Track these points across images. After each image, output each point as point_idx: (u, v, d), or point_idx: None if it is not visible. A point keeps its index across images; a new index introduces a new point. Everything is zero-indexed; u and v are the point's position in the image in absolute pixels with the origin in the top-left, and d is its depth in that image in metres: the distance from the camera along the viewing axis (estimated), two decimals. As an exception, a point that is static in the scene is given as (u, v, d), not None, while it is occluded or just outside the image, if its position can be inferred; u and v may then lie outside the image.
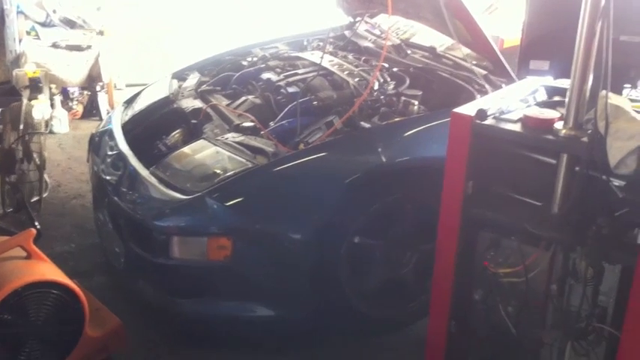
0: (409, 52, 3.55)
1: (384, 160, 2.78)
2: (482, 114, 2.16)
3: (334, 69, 3.35)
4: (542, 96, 2.37)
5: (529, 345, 2.33)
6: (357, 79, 3.21)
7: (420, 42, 3.77)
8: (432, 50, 3.52)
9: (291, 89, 3.19)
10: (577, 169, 2.09)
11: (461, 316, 2.43)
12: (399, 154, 2.83)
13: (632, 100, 2.21)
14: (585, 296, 2.17)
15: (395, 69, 3.35)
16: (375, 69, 3.19)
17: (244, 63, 3.75)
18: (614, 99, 2.01)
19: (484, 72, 3.14)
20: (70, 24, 5.80)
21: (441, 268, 2.40)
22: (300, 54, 3.72)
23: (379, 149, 2.79)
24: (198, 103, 3.35)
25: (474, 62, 3.26)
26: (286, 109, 3.03)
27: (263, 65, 3.62)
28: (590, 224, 2.09)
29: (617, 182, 2.02)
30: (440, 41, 3.68)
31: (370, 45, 3.73)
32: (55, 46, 5.55)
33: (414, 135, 2.87)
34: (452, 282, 2.37)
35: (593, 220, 2.08)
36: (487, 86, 3.05)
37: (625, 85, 2.22)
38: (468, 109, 2.23)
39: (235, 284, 2.64)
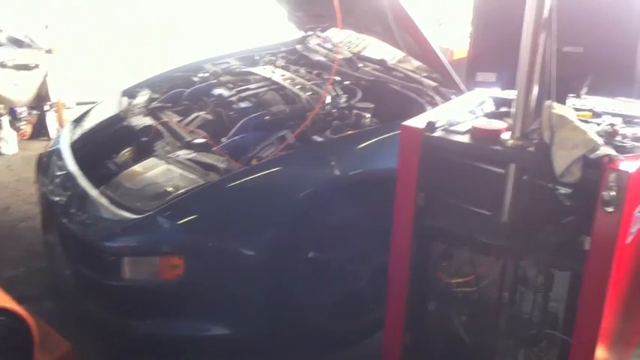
0: (360, 65, 3.58)
1: (337, 173, 2.78)
2: (431, 126, 2.18)
3: (286, 83, 3.35)
4: (490, 107, 2.41)
5: (483, 353, 2.35)
6: (309, 93, 3.22)
7: (371, 55, 3.79)
8: (382, 63, 3.55)
9: (242, 104, 3.17)
10: (525, 178, 2.12)
11: (415, 328, 2.44)
12: (352, 167, 2.83)
13: (576, 110, 2.27)
14: (536, 303, 2.21)
15: (347, 82, 3.36)
16: (326, 83, 3.20)
17: (195, 79, 3.72)
18: (558, 109, 2.05)
19: (434, 84, 3.18)
20: (18, 43, 5.69)
21: (395, 280, 2.41)
22: (251, 69, 3.71)
23: (332, 163, 2.79)
24: (148, 121, 3.30)
25: (424, 74, 3.30)
26: (238, 125, 3.01)
27: (215, 81, 3.59)
28: (538, 232, 2.13)
29: (563, 190, 2.06)
30: (392, 54, 3.72)
31: (322, 59, 3.74)
32: (1, 65, 5.43)
33: (366, 147, 2.88)
34: (406, 294, 2.38)
35: (542, 228, 2.12)
36: (437, 98, 3.08)
37: (570, 95, 2.27)
38: (417, 122, 2.26)
39: (189, 304, 2.60)
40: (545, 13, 1.98)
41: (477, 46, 2.27)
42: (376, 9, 3.01)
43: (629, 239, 2.08)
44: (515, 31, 2.05)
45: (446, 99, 3.01)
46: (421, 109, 2.92)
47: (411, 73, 3.36)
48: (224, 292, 2.60)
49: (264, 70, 3.61)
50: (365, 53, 3.95)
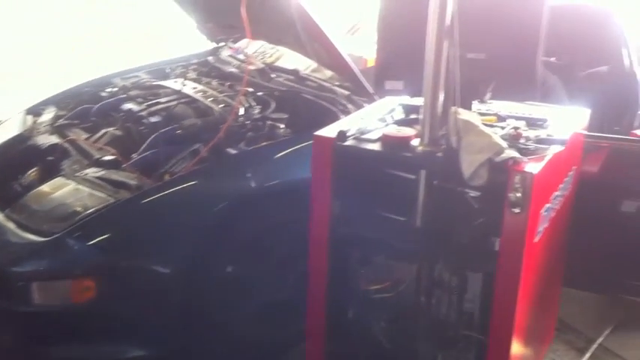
0: (273, 75, 3.57)
1: (253, 185, 2.76)
2: (342, 135, 2.20)
3: (198, 96, 3.30)
4: (400, 114, 2.45)
5: (404, 358, 2.37)
6: (221, 105, 3.18)
7: (287, 65, 3.79)
8: (295, 73, 3.56)
9: (153, 119, 3.10)
10: (435, 183, 2.16)
11: (337, 336, 2.44)
12: (268, 178, 2.82)
13: (482, 114, 2.33)
14: (452, 305, 2.25)
15: (260, 93, 3.35)
16: (239, 94, 3.17)
17: (104, 94, 3.61)
18: (464, 114, 2.10)
19: (347, 92, 3.20)
20: None
21: (314, 289, 2.41)
22: (162, 82, 3.64)
23: (248, 175, 2.78)
24: (55, 139, 3.18)
25: (337, 83, 3.32)
26: (149, 140, 2.94)
27: (124, 95, 3.50)
28: (450, 235, 2.17)
29: (472, 193, 2.11)
30: (306, 64, 3.73)
31: (234, 70, 3.71)
32: None
33: (282, 158, 2.88)
34: (325, 302, 2.38)
35: (454, 231, 2.17)
36: (350, 106, 3.11)
37: (475, 100, 2.33)
38: (328, 131, 2.27)
39: (104, 326, 2.52)
40: (448, 20, 2.02)
41: (383, 55, 2.30)
42: (285, 19, 3.01)
43: (537, 238, 2.15)
44: (420, 39, 2.09)
45: (359, 107, 3.04)
46: (335, 118, 2.93)
47: (324, 83, 3.37)
48: (140, 312, 2.53)
49: (175, 83, 3.55)
50: (279, 63, 3.95)
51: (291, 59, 3.83)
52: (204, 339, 2.67)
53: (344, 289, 2.41)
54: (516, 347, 2.20)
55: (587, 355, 3.10)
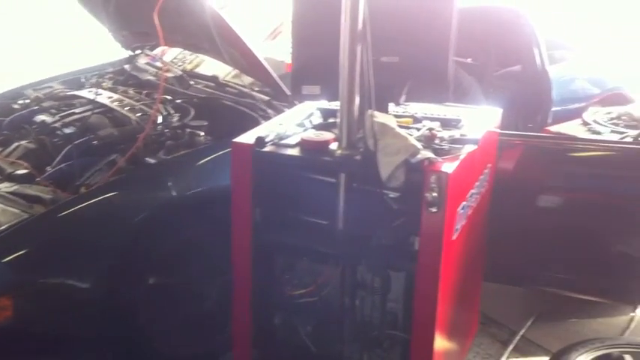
0: (192, 82, 3.52)
1: (174, 194, 2.72)
2: (260, 141, 2.19)
3: (114, 105, 3.22)
4: (318, 119, 2.46)
5: (331, 361, 2.39)
6: (139, 114, 3.12)
7: (207, 72, 3.76)
8: (214, 79, 3.53)
9: (67, 130, 3.01)
10: (355, 185, 2.18)
11: (264, 343, 2.43)
12: (189, 186, 2.78)
13: (397, 116, 2.37)
14: (376, 306, 2.28)
15: (179, 101, 3.30)
16: (155, 101, 3.12)
17: (15, 106, 3.48)
18: (380, 117, 2.13)
19: (266, 98, 3.19)
20: None
21: (239, 297, 2.39)
22: (77, 92, 3.53)
23: (169, 184, 2.73)
24: (-36, 155, 3.05)
25: (257, 89, 3.31)
26: (63, 152, 2.85)
27: (37, 107, 3.38)
28: (371, 236, 2.20)
29: (392, 195, 2.14)
30: (227, 70, 3.70)
31: (151, 78, 3.64)
32: None
33: (203, 166, 2.85)
34: (250, 310, 2.37)
35: (374, 232, 2.20)
36: (270, 112, 3.10)
37: (390, 103, 2.37)
38: (247, 138, 2.26)
39: (22, 346, 2.42)
40: (360, 25, 2.05)
41: (299, 60, 2.31)
42: (200, 26, 2.98)
43: (454, 236, 2.20)
44: (335, 44, 2.11)
45: (279, 112, 3.04)
46: (255, 124, 2.91)
47: (243, 89, 3.36)
48: (59, 329, 2.45)
49: (90, 93, 3.46)
50: (200, 70, 3.90)
51: (212, 66, 3.80)
52: (129, 354, 2.61)
53: (269, 295, 2.40)
54: (440, 343, 2.24)
55: (511, 346, 3.19)
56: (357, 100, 2.13)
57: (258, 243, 2.30)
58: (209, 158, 2.86)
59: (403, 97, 2.29)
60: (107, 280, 2.49)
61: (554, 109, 4.23)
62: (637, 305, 3.48)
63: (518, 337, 3.26)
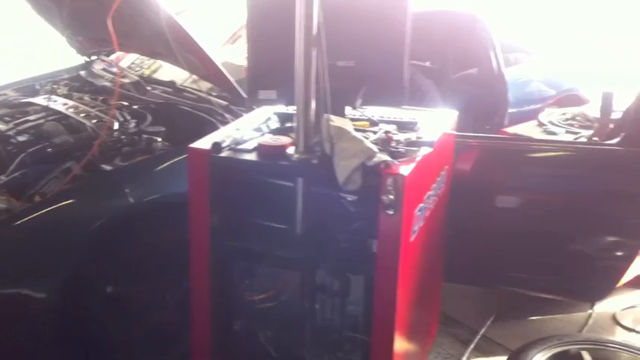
0: (149, 88, 3.49)
1: (132, 201, 2.68)
2: (217, 147, 2.18)
3: (69, 112, 3.17)
4: (275, 123, 2.46)
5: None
6: (94, 121, 3.07)
7: (166, 77, 3.72)
8: (172, 85, 3.50)
9: (21, 138, 2.94)
10: (313, 189, 2.19)
11: (224, 350, 2.41)
12: (147, 193, 2.74)
13: (354, 120, 2.38)
14: (336, 309, 2.28)
15: (135, 106, 3.26)
16: (111, 108, 3.08)
17: (-33, 114, 3.40)
18: (336, 121, 2.13)
19: (224, 103, 3.18)
20: None
21: (198, 304, 2.37)
22: (31, 99, 3.47)
23: (126, 190, 2.69)
24: None
25: (215, 94, 3.29)
26: (17, 160, 2.79)
27: (-11, 115, 3.31)
28: (330, 240, 2.20)
29: (350, 198, 2.15)
30: (185, 75, 3.66)
31: (107, 84, 3.60)
32: None
33: (161, 172, 2.81)
34: (210, 316, 2.35)
35: (333, 235, 2.20)
36: (228, 117, 3.09)
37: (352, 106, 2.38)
38: (204, 143, 2.24)
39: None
40: (314, 30, 2.05)
41: (255, 64, 2.30)
42: (156, 31, 2.95)
43: (412, 237, 2.22)
44: (290, 48, 2.11)
45: (237, 117, 3.02)
46: (213, 129, 2.89)
47: (201, 94, 3.34)
48: (14, 341, 2.40)
49: (44, 100, 3.39)
50: (158, 75, 3.86)
51: (170, 71, 3.76)
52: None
53: (228, 301, 2.39)
54: (400, 344, 2.25)
55: (471, 346, 3.23)
56: (314, 104, 2.13)
57: (217, 249, 2.28)
58: (167, 164, 2.83)
59: (359, 101, 2.30)
60: (63, 290, 2.44)
61: (511, 110, 4.29)
62: (594, 302, 3.56)
63: (478, 337, 3.30)
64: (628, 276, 3.48)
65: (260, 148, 2.21)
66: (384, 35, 2.28)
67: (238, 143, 2.24)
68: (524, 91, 4.61)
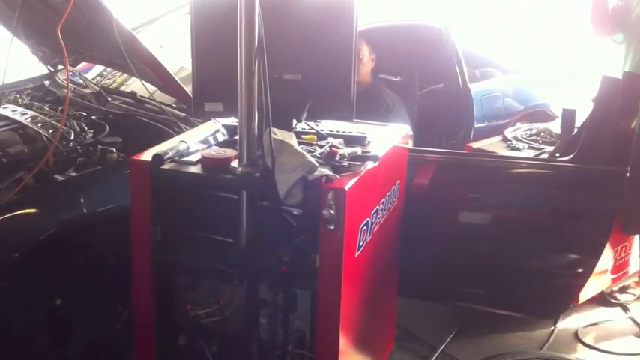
0: (109, 98, 3.47)
1: (84, 211, 2.66)
2: (158, 159, 2.16)
3: (27, 122, 3.14)
4: (223, 136, 2.45)
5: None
6: (51, 131, 3.05)
7: (131, 88, 3.70)
8: (132, 96, 3.48)
9: (-25, 148, 2.92)
10: (256, 203, 2.17)
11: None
12: (100, 203, 2.73)
13: (302, 133, 2.37)
14: (281, 324, 2.26)
15: (94, 117, 3.24)
16: (69, 118, 3.05)
17: None
18: (279, 134, 2.12)
19: (183, 114, 3.17)
20: None
21: (141, 318, 2.34)
22: (-9, 109, 3.44)
23: (78, 201, 2.67)
24: None
25: (175, 105, 3.28)
26: (-31, 171, 2.77)
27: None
28: (274, 254, 2.19)
29: (294, 212, 2.13)
30: (150, 86, 3.64)
31: (70, 94, 3.57)
32: None
33: (115, 183, 2.80)
34: (154, 331, 2.32)
35: (277, 249, 2.18)
36: (186, 128, 3.07)
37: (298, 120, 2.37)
38: (147, 155, 2.23)
39: None
40: (256, 42, 2.04)
41: (200, 77, 2.29)
42: (111, 42, 2.94)
43: (357, 253, 2.21)
44: (235, 60, 2.09)
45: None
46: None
47: (162, 105, 3.32)
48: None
49: (5, 109, 3.37)
50: (128, 86, 3.84)
51: (136, 81, 3.74)
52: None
53: (173, 316, 2.36)
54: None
55: (431, 362, 3.22)
56: (257, 117, 2.12)
57: (160, 262, 2.26)
58: (121, 175, 2.82)
59: (305, 115, 2.29)
60: (7, 303, 2.41)
61: (479, 125, 4.31)
62: (555, 319, 3.55)
63: (437, 353, 3.28)
64: (590, 292, 3.50)
65: (203, 161, 2.19)
66: (331, 49, 2.28)
67: (182, 155, 2.22)
68: (493, 106, 4.62)
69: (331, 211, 2.02)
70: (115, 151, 2.95)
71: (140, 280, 2.29)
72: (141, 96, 3.43)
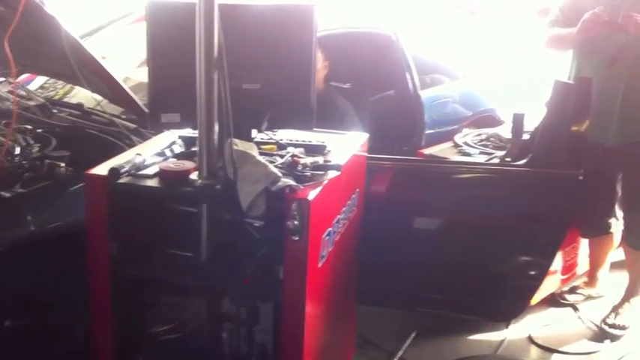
0: (55, 111, 3.36)
1: (32, 228, 2.56)
2: (115, 173, 2.09)
3: (-32, 137, 3.01)
4: (180, 147, 2.39)
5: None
6: (-5, 146, 2.93)
7: (77, 100, 3.59)
8: (79, 107, 3.37)
9: None
10: (218, 215, 2.12)
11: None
12: (48, 220, 2.63)
13: (262, 144, 2.34)
14: (244, 338, 2.22)
15: (40, 130, 3.13)
16: (11, 132, 2.93)
17: None
18: (240, 145, 2.09)
19: (133, 126, 3.08)
20: None
21: (98, 336, 2.27)
22: None
23: (26, 218, 2.57)
24: None
25: (125, 117, 3.20)
26: None
27: None
28: (236, 267, 2.14)
29: (256, 224, 2.09)
30: (96, 97, 3.54)
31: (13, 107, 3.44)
32: None
33: (64, 198, 2.70)
34: (111, 350, 2.25)
35: (240, 262, 2.14)
36: (137, 140, 2.99)
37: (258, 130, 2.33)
38: (102, 169, 2.15)
39: None
40: (215, 51, 2.00)
41: (156, 87, 2.23)
42: (59, 52, 2.84)
43: (321, 263, 2.18)
44: (192, 70, 2.05)
45: (146, 140, 2.94)
46: (122, 153, 2.81)
47: (111, 117, 3.23)
48: None
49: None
50: (68, 98, 3.72)
51: (84, 93, 3.63)
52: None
53: (133, 333, 2.29)
54: (310, 372, 2.20)
55: (389, 368, 3.22)
56: (217, 127, 2.08)
57: (118, 279, 2.19)
58: (72, 190, 2.72)
59: (265, 125, 2.26)
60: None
61: (429, 131, 4.36)
62: (509, 322, 3.60)
63: (396, 359, 3.28)
64: (542, 294, 3.57)
65: (161, 174, 2.13)
66: (290, 58, 2.26)
67: (139, 169, 2.16)
68: (443, 112, 4.68)
69: (295, 222, 2.00)
70: (63, 165, 2.85)
71: (97, 298, 2.21)
72: (88, 107, 3.32)
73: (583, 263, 3.97)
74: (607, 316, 3.63)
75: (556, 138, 2.88)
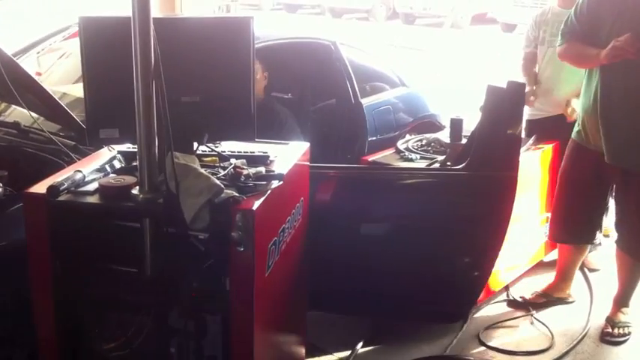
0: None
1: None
2: (54, 190, 2.05)
3: None
4: (120, 163, 2.37)
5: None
6: None
7: (14, 118, 3.51)
8: (16, 126, 3.30)
9: None
10: (161, 229, 2.11)
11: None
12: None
13: (204, 155, 2.34)
14: (192, 352, 2.20)
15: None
16: None
17: None
18: (181, 158, 2.08)
19: (72, 143, 3.03)
20: None
21: (45, 357, 2.21)
22: None
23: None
24: None
25: (63, 134, 3.14)
26: None
27: None
28: (182, 281, 2.13)
29: (201, 236, 2.08)
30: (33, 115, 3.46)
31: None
32: None
33: (3, 219, 2.64)
34: (58, 372, 2.20)
35: (185, 276, 2.13)
36: (76, 157, 2.94)
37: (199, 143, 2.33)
38: (41, 187, 2.11)
39: None
40: (152, 66, 1.99)
41: (93, 102, 2.20)
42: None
43: (267, 272, 2.19)
44: (129, 83, 2.02)
45: (85, 156, 2.89)
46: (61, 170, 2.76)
47: (49, 134, 3.16)
48: None
49: None
50: (2, 117, 3.63)
51: (16, 111, 3.55)
52: None
53: (79, 353, 2.24)
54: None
55: (339, 375, 3.23)
56: (157, 141, 2.06)
57: (62, 298, 2.15)
58: (10, 210, 2.66)
59: (206, 137, 2.26)
60: None
61: (372, 138, 4.41)
62: (462, 323, 3.63)
63: (346, 365, 3.30)
64: (488, 292, 3.64)
65: (102, 190, 2.11)
66: (229, 70, 2.27)
67: (78, 185, 2.12)
68: (385, 119, 4.73)
69: (240, 233, 2.00)
70: (0, 185, 2.78)
71: (41, 318, 2.16)
72: (25, 126, 3.25)
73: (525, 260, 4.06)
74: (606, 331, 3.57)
75: (492, 141, 2.95)
